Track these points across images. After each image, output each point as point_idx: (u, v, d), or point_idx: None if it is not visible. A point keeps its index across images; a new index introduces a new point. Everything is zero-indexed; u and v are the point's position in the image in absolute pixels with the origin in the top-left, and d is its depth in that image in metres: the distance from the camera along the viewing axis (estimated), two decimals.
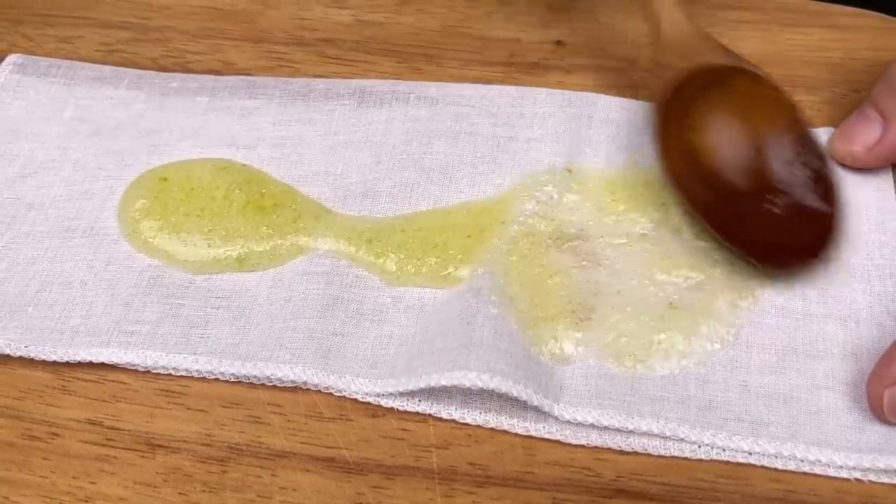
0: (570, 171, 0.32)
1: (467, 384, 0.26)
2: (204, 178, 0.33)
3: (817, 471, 0.26)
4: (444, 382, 0.26)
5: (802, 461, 0.26)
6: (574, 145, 0.33)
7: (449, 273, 0.30)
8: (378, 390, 0.28)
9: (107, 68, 0.37)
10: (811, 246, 0.29)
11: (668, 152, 0.31)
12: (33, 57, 0.37)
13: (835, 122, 0.33)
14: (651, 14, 0.33)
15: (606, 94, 0.34)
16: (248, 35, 0.38)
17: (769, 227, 0.29)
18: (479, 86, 0.35)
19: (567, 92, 0.34)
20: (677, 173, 0.30)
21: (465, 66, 0.37)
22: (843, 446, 0.26)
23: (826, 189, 0.29)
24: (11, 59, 0.37)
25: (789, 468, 0.26)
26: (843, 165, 0.32)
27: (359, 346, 0.29)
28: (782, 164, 0.30)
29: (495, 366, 0.27)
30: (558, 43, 0.37)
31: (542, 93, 0.34)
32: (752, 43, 0.37)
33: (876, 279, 0.30)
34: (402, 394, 0.28)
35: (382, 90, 0.35)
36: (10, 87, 0.36)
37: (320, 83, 0.36)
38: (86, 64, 0.37)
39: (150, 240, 0.31)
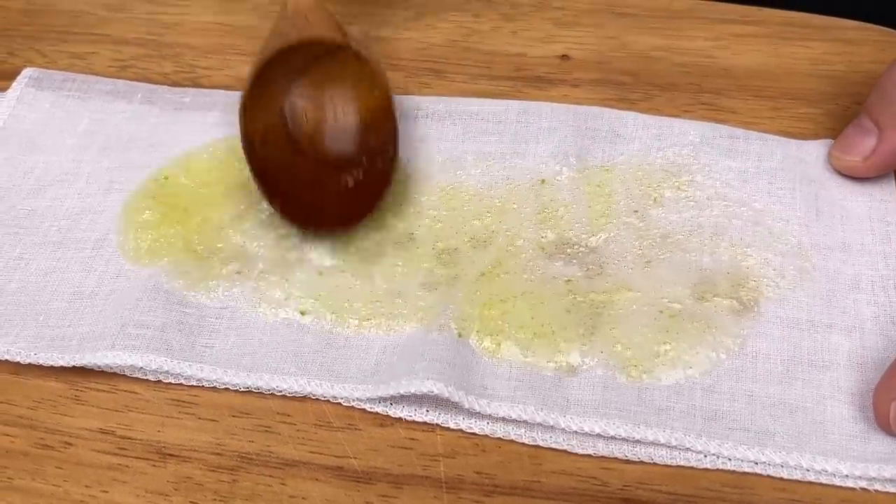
0: (574, 181, 0.33)
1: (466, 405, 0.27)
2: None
3: (823, 480, 0.26)
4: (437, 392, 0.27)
5: (808, 471, 0.26)
6: (579, 157, 0.33)
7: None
8: (370, 395, 0.28)
9: (120, 82, 0.37)
10: (349, 214, 0.31)
11: (254, 114, 0.31)
12: (48, 71, 0.38)
13: (837, 134, 0.33)
14: None
15: (612, 107, 0.35)
16: (259, 51, 0.39)
17: (316, 193, 0.31)
18: (486, 101, 0.35)
19: (572, 106, 0.35)
20: (250, 132, 0.31)
21: (472, 80, 0.37)
22: (849, 456, 0.26)
23: (379, 170, 0.32)
24: (27, 72, 0.37)
25: (795, 478, 0.26)
26: (845, 176, 0.32)
27: (364, 357, 0.29)
28: (348, 140, 0.32)
29: (490, 383, 0.28)
30: (564, 57, 0.38)
31: (547, 107, 0.35)
32: (755, 56, 0.37)
33: (881, 290, 0.30)
34: (408, 403, 0.28)
35: None
36: (26, 101, 0.36)
37: None
38: (100, 78, 0.37)
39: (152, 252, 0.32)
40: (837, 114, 0.35)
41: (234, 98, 0.36)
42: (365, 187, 0.32)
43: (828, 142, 0.33)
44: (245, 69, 0.38)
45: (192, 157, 0.34)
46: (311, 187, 0.32)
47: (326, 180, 0.32)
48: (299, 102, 0.32)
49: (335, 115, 0.32)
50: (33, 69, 0.37)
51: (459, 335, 0.29)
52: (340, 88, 0.32)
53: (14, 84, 0.37)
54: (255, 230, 0.32)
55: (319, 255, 0.32)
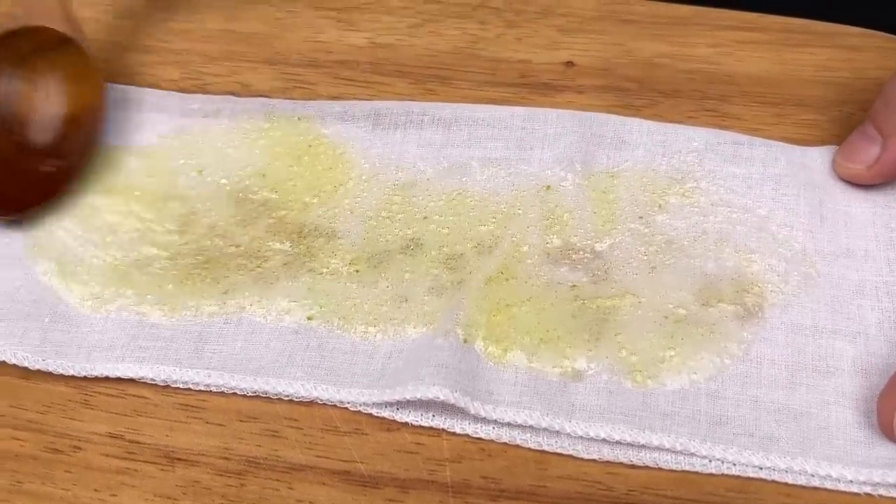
0: (579, 187, 0.33)
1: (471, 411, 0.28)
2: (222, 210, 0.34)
3: (828, 486, 0.26)
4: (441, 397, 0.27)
5: (813, 476, 0.27)
6: (584, 163, 0.34)
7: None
8: (375, 399, 0.28)
9: (131, 89, 0.37)
10: (27, 200, 0.32)
11: None
12: None
13: (841, 141, 0.33)
14: None
15: (616, 114, 0.35)
16: (265, 57, 0.39)
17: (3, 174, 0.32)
18: (492, 107, 0.36)
19: (577, 112, 0.35)
20: None
21: (478, 87, 0.37)
22: (854, 461, 0.26)
23: (69, 167, 0.33)
24: None
25: (799, 483, 0.27)
26: (849, 183, 0.32)
27: (369, 362, 0.29)
28: (43, 132, 0.33)
29: (495, 388, 0.28)
30: (569, 64, 0.38)
31: (552, 113, 0.35)
32: (758, 63, 0.37)
33: (885, 295, 0.30)
34: (415, 408, 0.28)
35: (397, 112, 0.36)
36: None
37: (336, 105, 0.36)
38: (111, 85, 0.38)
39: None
40: (841, 120, 0.35)
41: (242, 104, 0.36)
42: (53, 178, 0.33)
43: (832, 148, 0.33)
44: (252, 75, 0.38)
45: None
46: (8, 174, 0.33)
47: (21, 165, 0.33)
48: (16, 85, 0.33)
49: (46, 104, 0.34)
50: None
51: (465, 341, 0.29)
52: (58, 79, 0.34)
53: None
54: (262, 235, 0.33)
55: (327, 261, 0.32)
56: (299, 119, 0.36)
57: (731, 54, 0.38)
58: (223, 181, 0.34)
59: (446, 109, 0.35)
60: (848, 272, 0.30)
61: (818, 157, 0.33)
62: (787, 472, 0.27)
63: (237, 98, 0.37)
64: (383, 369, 0.29)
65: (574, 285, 0.31)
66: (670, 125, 0.34)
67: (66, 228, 0.33)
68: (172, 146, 0.35)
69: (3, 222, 0.32)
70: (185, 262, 0.32)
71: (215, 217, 0.33)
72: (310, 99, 0.37)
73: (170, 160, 0.35)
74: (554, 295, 0.30)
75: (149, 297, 0.31)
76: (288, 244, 0.32)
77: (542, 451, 0.28)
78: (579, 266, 0.31)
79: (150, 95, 0.37)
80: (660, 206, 0.32)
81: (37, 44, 0.33)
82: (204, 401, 0.29)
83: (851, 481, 0.26)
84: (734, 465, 0.27)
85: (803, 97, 0.36)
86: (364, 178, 0.34)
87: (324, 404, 0.29)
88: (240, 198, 0.34)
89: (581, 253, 0.31)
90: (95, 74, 0.34)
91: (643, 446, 0.27)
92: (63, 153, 0.33)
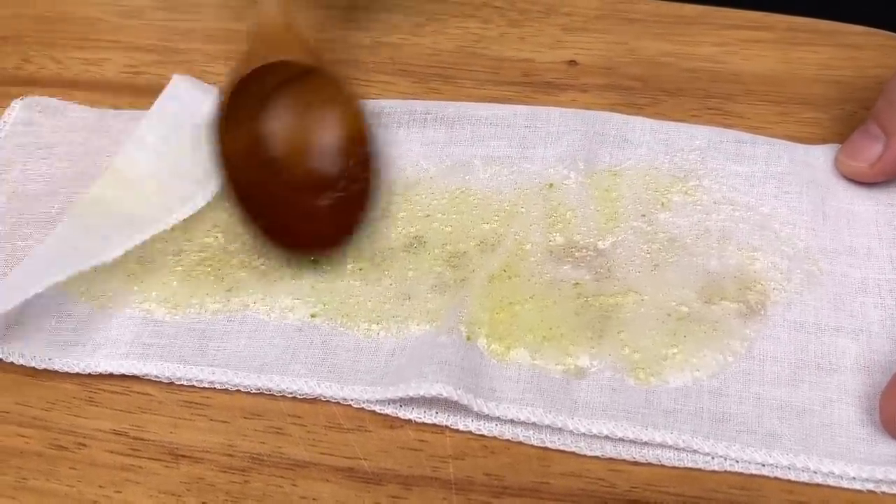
0: (582, 186, 0.33)
1: (475, 408, 0.28)
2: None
3: (830, 482, 0.26)
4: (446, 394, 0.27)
5: (815, 473, 0.27)
6: (587, 162, 0.34)
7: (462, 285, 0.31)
8: (378, 397, 0.28)
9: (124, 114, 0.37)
10: (332, 237, 0.32)
11: (230, 137, 0.31)
12: (45, 98, 0.38)
13: (844, 139, 0.33)
14: (256, 5, 0.33)
15: (620, 112, 0.35)
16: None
17: (313, 219, 0.32)
18: (495, 105, 0.36)
19: (580, 111, 0.35)
20: (234, 159, 0.31)
21: (481, 85, 0.38)
22: (856, 458, 0.26)
23: (356, 193, 0.32)
24: (26, 101, 0.37)
25: (802, 480, 0.27)
26: (851, 181, 0.32)
27: (373, 360, 0.29)
28: (325, 162, 0.32)
29: (498, 386, 0.28)
30: (572, 63, 0.38)
31: (555, 112, 0.35)
32: (762, 61, 0.37)
33: (888, 293, 0.30)
34: (418, 405, 0.28)
35: (400, 111, 0.36)
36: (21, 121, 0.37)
37: None
38: (95, 111, 0.37)
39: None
40: (844, 118, 0.35)
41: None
42: (342, 210, 0.32)
43: (835, 146, 0.33)
44: None
45: None
46: (287, 210, 0.32)
47: (303, 203, 0.32)
48: (274, 125, 0.32)
49: (310, 139, 0.32)
50: (29, 98, 0.37)
51: (468, 338, 0.29)
52: (314, 112, 0.33)
53: (10, 111, 0.37)
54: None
55: (330, 259, 0.32)
56: None
57: (736, 53, 0.38)
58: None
59: (449, 108, 0.35)
60: (851, 270, 0.30)
61: (821, 156, 0.33)
62: (789, 469, 0.27)
63: None
64: (387, 366, 0.29)
65: (577, 283, 0.31)
66: (673, 123, 0.35)
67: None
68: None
69: (309, 259, 0.32)
70: (189, 260, 0.32)
71: (218, 215, 0.33)
72: None
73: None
74: (557, 293, 0.30)
75: (153, 294, 0.31)
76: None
77: (545, 448, 0.28)
78: (582, 264, 0.31)
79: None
80: (662, 204, 0.32)
81: (282, 79, 0.32)
82: (208, 398, 0.29)
83: (854, 478, 0.26)
84: (737, 462, 0.27)
85: (806, 95, 0.36)
86: None
87: (327, 401, 0.29)
88: None
89: (584, 251, 0.32)
90: (350, 100, 0.32)
91: (646, 443, 0.27)
92: (340, 185, 0.32)
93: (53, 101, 0.37)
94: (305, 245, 0.31)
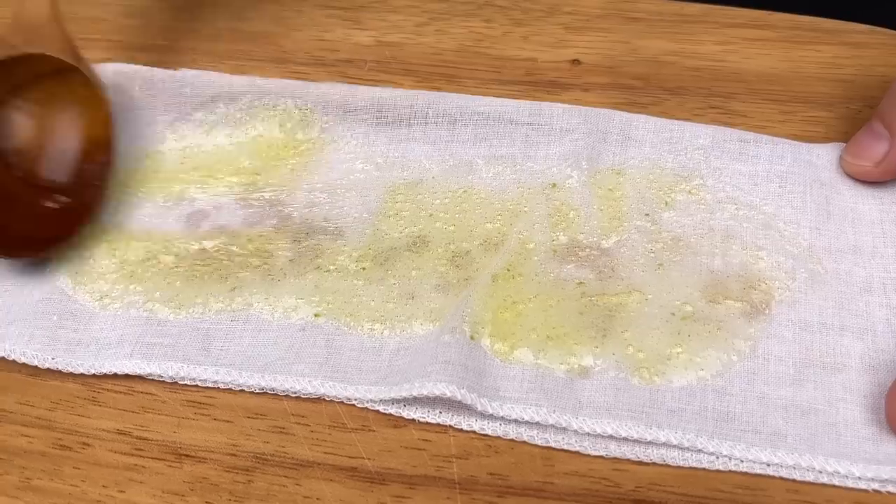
0: (585, 185, 0.33)
1: (479, 408, 0.28)
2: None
3: (836, 482, 0.26)
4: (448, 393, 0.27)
5: (821, 472, 0.27)
6: (590, 161, 0.34)
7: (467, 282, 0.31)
8: (382, 396, 0.28)
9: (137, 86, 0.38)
10: (45, 241, 0.31)
11: None
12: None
13: (849, 138, 0.33)
14: None
15: (622, 111, 0.35)
16: (272, 56, 0.39)
17: (32, 220, 0.30)
18: (497, 101, 0.35)
19: (584, 108, 0.35)
20: None
21: (484, 84, 0.37)
22: (861, 458, 0.26)
23: (85, 201, 0.31)
24: None
25: (807, 479, 0.27)
26: (856, 180, 0.32)
27: (376, 359, 0.29)
28: (61, 163, 0.31)
29: (502, 385, 0.28)
30: (575, 62, 0.38)
31: (557, 109, 0.35)
32: (765, 60, 0.37)
33: (893, 292, 0.30)
34: (422, 405, 0.28)
35: (401, 105, 0.35)
36: None
37: (336, 95, 0.36)
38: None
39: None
40: (848, 117, 0.35)
41: (236, 87, 0.36)
42: (65, 216, 0.31)
43: (839, 145, 0.33)
44: (258, 74, 0.38)
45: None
46: (5, 206, 0.31)
47: (25, 201, 0.31)
48: (16, 116, 0.31)
49: (50, 137, 0.31)
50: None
51: (472, 337, 0.29)
52: (62, 110, 0.32)
53: None
54: (269, 233, 0.33)
55: (333, 258, 0.32)
56: (303, 117, 0.36)
57: (739, 52, 0.38)
58: (232, 179, 0.34)
59: (451, 102, 0.35)
60: (855, 269, 0.30)
61: (825, 155, 0.33)
62: (794, 468, 0.27)
63: (230, 77, 0.37)
64: (390, 366, 0.29)
65: (581, 282, 0.31)
66: (676, 122, 0.34)
67: None
68: (181, 144, 0.35)
69: (16, 262, 0.31)
70: (193, 260, 0.32)
71: (222, 216, 0.33)
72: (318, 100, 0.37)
73: (177, 158, 0.35)
74: (560, 292, 0.30)
75: (157, 294, 0.31)
76: (294, 242, 0.32)
77: (549, 448, 0.28)
78: (586, 263, 0.31)
79: (160, 91, 0.37)
80: (666, 203, 0.32)
81: (35, 72, 0.31)
82: (211, 397, 0.29)
83: (859, 478, 0.26)
84: (742, 461, 0.27)
85: (810, 94, 0.36)
86: (369, 175, 0.34)
87: (331, 401, 0.29)
88: (245, 196, 0.34)
89: (587, 250, 0.31)
90: (102, 105, 0.32)
91: (650, 443, 0.27)
92: (72, 189, 0.31)
93: None
94: (13, 245, 0.31)
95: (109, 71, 0.36)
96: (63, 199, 0.31)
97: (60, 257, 0.31)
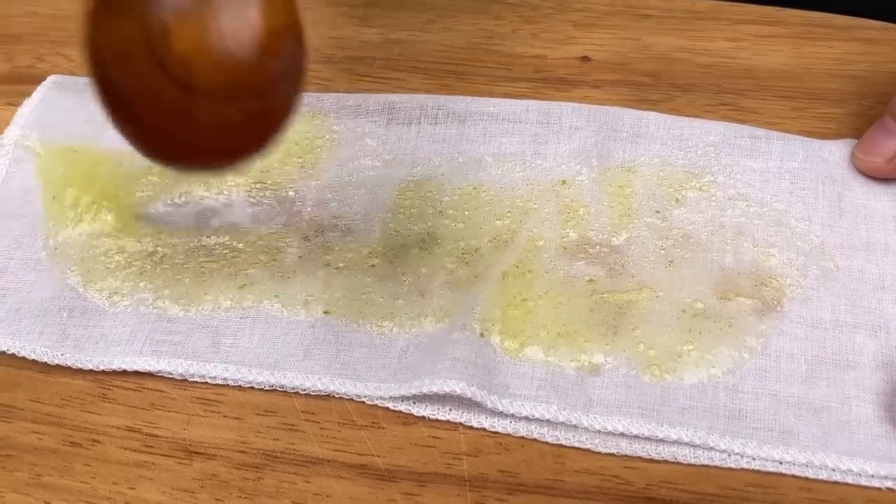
0: (595, 182, 0.33)
1: (489, 405, 0.27)
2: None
3: (849, 480, 0.26)
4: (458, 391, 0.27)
5: (833, 470, 0.26)
6: (600, 158, 0.33)
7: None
8: (392, 393, 0.28)
9: None
10: (232, 152, 0.25)
11: (99, 18, 0.24)
12: (73, 77, 0.38)
13: (861, 134, 0.33)
14: None
15: (633, 108, 0.35)
16: None
17: (189, 126, 0.24)
18: (506, 101, 0.35)
19: (593, 106, 0.35)
20: (101, 47, 0.24)
21: (493, 82, 0.37)
22: (875, 455, 0.26)
23: (278, 104, 0.25)
24: (52, 78, 0.38)
25: (820, 477, 0.26)
26: (867, 176, 0.32)
27: (386, 356, 0.29)
28: (233, 62, 0.23)
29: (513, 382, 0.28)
30: (584, 59, 0.38)
31: (567, 107, 0.35)
32: (777, 56, 0.37)
33: None
34: (431, 402, 0.28)
35: (411, 106, 0.36)
36: (49, 102, 0.37)
37: (350, 98, 0.36)
38: None
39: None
40: (860, 114, 0.35)
41: None
42: (255, 123, 0.25)
43: (850, 141, 0.33)
44: None
45: None
46: (181, 120, 0.24)
47: (204, 112, 0.24)
48: (170, 13, 0.23)
49: (221, 34, 0.24)
50: (58, 76, 0.38)
51: (482, 335, 0.29)
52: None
53: (38, 87, 0.37)
54: (279, 231, 0.33)
55: (343, 256, 0.32)
56: (313, 116, 0.36)
57: (749, 48, 0.37)
58: (239, 179, 0.34)
59: (461, 103, 0.35)
60: (868, 266, 0.30)
61: (837, 151, 0.33)
62: (807, 466, 0.26)
63: None
64: (400, 363, 0.29)
65: (591, 279, 0.30)
66: (687, 119, 0.34)
67: (81, 228, 0.33)
68: None
69: (203, 173, 0.26)
70: (202, 258, 0.32)
71: (232, 213, 0.33)
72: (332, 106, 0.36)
73: None
74: (571, 289, 0.30)
75: (166, 291, 0.31)
76: (304, 239, 0.32)
77: (560, 445, 0.28)
78: (596, 260, 0.31)
79: None
80: (677, 200, 0.32)
81: None
82: (221, 394, 0.29)
83: (872, 476, 0.26)
84: (754, 459, 0.27)
85: (822, 91, 0.36)
86: (378, 173, 0.34)
87: (340, 398, 0.29)
88: (256, 194, 0.34)
89: (598, 247, 0.31)
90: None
91: (661, 440, 0.27)
92: (260, 93, 0.24)
93: None
94: (200, 160, 0.25)
95: None
96: (246, 105, 0.24)
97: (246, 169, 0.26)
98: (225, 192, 0.34)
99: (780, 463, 0.27)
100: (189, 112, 0.24)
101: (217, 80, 0.24)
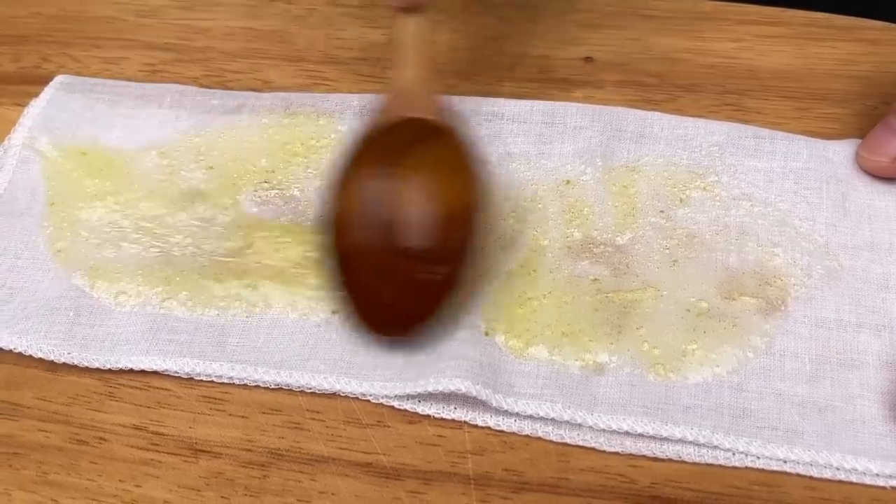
0: (599, 182, 0.33)
1: (493, 404, 0.28)
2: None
3: (853, 479, 0.26)
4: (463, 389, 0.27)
5: (838, 469, 0.26)
6: (604, 158, 0.33)
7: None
8: (398, 392, 0.28)
9: (149, 86, 0.38)
10: (414, 316, 0.29)
11: (345, 193, 0.30)
12: (80, 77, 0.38)
13: (865, 134, 0.33)
14: (393, 54, 0.31)
15: (636, 108, 0.35)
16: (286, 54, 0.39)
17: (405, 293, 0.29)
18: (510, 101, 0.36)
19: (597, 107, 0.35)
20: (343, 213, 0.30)
21: (497, 82, 0.37)
22: (879, 455, 0.26)
23: (452, 272, 0.29)
24: (59, 79, 0.38)
25: (825, 476, 0.26)
26: (872, 176, 0.32)
27: (391, 356, 0.29)
28: (437, 232, 0.29)
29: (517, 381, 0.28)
30: (588, 59, 0.38)
31: (572, 108, 0.35)
32: (780, 57, 0.37)
33: None
34: (436, 401, 0.28)
35: None
36: (56, 104, 0.37)
37: (355, 99, 0.36)
38: (129, 82, 0.38)
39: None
40: (864, 114, 0.35)
41: (263, 100, 0.37)
42: (433, 288, 0.29)
43: (854, 141, 0.33)
44: (273, 73, 0.39)
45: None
46: (382, 280, 0.29)
47: (399, 275, 0.29)
48: (387, 186, 0.30)
49: (422, 205, 0.30)
50: (65, 76, 0.38)
51: (487, 334, 0.29)
52: (434, 175, 0.30)
53: (46, 88, 0.37)
54: (284, 231, 0.33)
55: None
56: (318, 117, 0.36)
57: (752, 49, 0.37)
58: (243, 180, 0.34)
59: (465, 104, 0.35)
60: (872, 265, 0.30)
61: (841, 151, 0.33)
62: (811, 465, 0.26)
63: (258, 94, 0.37)
64: (405, 362, 0.29)
65: (595, 279, 0.31)
66: (691, 119, 0.34)
67: (88, 229, 0.33)
68: (192, 143, 0.36)
69: (383, 342, 0.29)
70: (208, 257, 0.32)
71: (235, 214, 0.33)
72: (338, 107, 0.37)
73: (187, 157, 0.35)
74: (575, 288, 0.30)
75: (173, 291, 0.31)
76: (310, 239, 0.32)
77: (565, 444, 0.28)
78: (600, 260, 0.31)
79: (169, 91, 0.37)
80: (681, 200, 0.32)
81: (412, 137, 0.30)
82: (227, 393, 0.29)
83: (877, 475, 0.26)
84: (758, 458, 0.27)
85: (825, 91, 0.36)
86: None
87: (346, 397, 0.29)
88: (261, 193, 0.34)
89: (602, 247, 0.31)
90: (473, 167, 0.30)
91: (666, 439, 0.27)
92: (439, 257, 0.29)
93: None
94: (388, 323, 0.29)
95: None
96: (435, 269, 0.29)
97: (423, 336, 0.29)
98: (229, 192, 0.34)
99: (785, 462, 0.27)
100: (387, 271, 0.29)
101: (412, 244, 0.29)
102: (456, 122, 0.31)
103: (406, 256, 0.29)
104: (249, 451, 0.28)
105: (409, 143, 0.30)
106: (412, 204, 0.30)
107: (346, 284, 0.29)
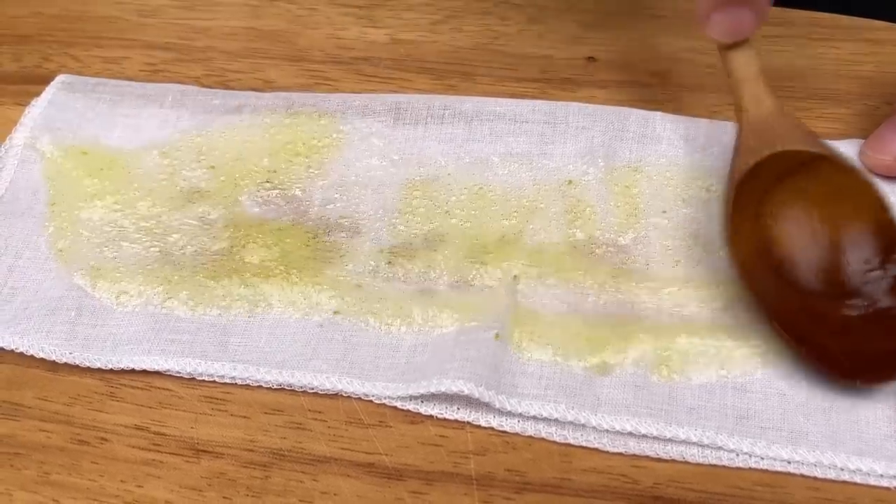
0: (601, 182, 0.33)
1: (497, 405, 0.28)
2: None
3: (857, 479, 0.26)
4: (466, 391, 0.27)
5: (842, 470, 0.26)
6: (606, 158, 0.33)
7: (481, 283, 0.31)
8: (401, 393, 0.28)
9: (150, 86, 0.38)
10: (878, 358, 0.27)
11: (738, 240, 0.29)
12: (81, 77, 0.38)
13: (868, 134, 0.33)
14: (735, 92, 0.31)
15: (638, 108, 0.35)
16: (287, 54, 0.39)
17: (846, 333, 0.27)
18: (513, 101, 0.36)
19: (599, 106, 0.35)
20: (746, 263, 0.29)
21: (499, 82, 0.37)
22: (883, 455, 0.26)
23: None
24: (60, 78, 0.38)
25: (828, 477, 0.26)
26: (876, 174, 0.32)
27: (394, 356, 0.29)
28: (861, 263, 0.28)
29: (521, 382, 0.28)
30: (590, 59, 0.38)
31: (574, 107, 0.35)
32: (783, 57, 0.37)
33: None
34: (439, 401, 0.28)
35: (418, 106, 0.36)
36: (58, 103, 0.37)
37: (357, 99, 0.36)
38: (131, 82, 0.38)
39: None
40: (867, 114, 0.35)
41: (265, 100, 0.37)
42: (880, 321, 0.27)
43: (857, 142, 0.33)
44: (274, 72, 0.39)
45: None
46: (813, 325, 0.28)
47: (829, 315, 0.28)
48: (783, 222, 0.29)
49: (825, 235, 0.28)
50: (66, 75, 0.38)
51: (490, 334, 0.29)
52: (826, 204, 0.29)
53: (47, 88, 0.37)
54: (285, 231, 0.33)
55: (351, 256, 0.32)
56: (320, 116, 0.36)
57: (756, 48, 0.37)
58: (244, 180, 0.34)
59: (467, 103, 0.35)
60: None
61: (845, 150, 0.33)
62: (815, 465, 0.26)
63: (259, 94, 0.37)
64: (408, 363, 0.29)
65: (598, 278, 0.30)
66: (693, 119, 0.34)
67: (89, 228, 0.33)
68: (193, 142, 0.36)
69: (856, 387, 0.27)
70: (209, 257, 0.32)
71: (237, 213, 0.33)
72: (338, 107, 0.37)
73: (189, 157, 0.35)
74: (578, 288, 0.30)
75: (174, 291, 0.31)
76: (312, 238, 0.32)
77: (568, 445, 0.28)
78: (603, 260, 0.31)
79: (171, 91, 0.37)
80: (683, 200, 0.32)
81: (786, 169, 0.29)
82: (228, 393, 0.29)
83: (881, 475, 0.26)
84: (762, 458, 0.27)
85: (828, 91, 0.36)
86: (386, 172, 0.34)
87: (348, 397, 0.29)
88: (263, 193, 0.34)
89: (604, 247, 0.31)
90: (866, 186, 0.28)
91: (669, 440, 0.27)
92: (870, 285, 0.28)
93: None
94: (846, 368, 0.27)
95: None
96: (865, 302, 0.28)
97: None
98: (231, 193, 0.34)
99: (789, 462, 0.27)
100: (812, 313, 0.28)
101: (830, 279, 0.28)
102: (827, 147, 0.29)
103: (827, 292, 0.28)
104: (251, 451, 0.28)
105: (784, 175, 0.29)
106: (813, 234, 0.29)
107: (799, 337, 0.27)
